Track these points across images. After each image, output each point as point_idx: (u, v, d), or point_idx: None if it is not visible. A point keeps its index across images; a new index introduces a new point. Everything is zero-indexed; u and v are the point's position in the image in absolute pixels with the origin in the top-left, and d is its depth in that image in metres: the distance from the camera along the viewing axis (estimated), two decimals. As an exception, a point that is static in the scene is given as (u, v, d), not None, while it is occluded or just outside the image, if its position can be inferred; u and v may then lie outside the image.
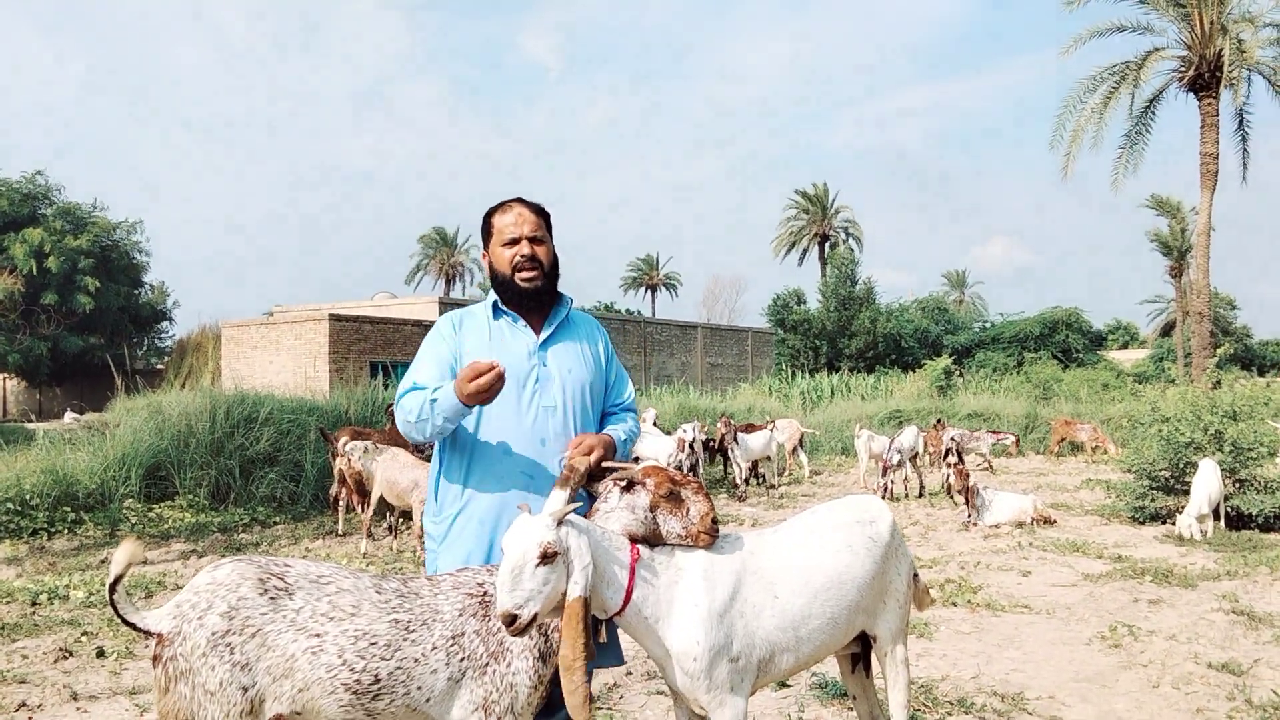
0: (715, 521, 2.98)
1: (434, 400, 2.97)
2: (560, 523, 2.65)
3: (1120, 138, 26.22)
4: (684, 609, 2.91)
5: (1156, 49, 24.75)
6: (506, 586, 2.53)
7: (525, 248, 3.17)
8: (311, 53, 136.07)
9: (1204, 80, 24.32)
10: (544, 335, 3.22)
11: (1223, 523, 10.29)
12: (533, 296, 3.19)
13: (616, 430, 3.28)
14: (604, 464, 3.06)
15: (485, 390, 2.85)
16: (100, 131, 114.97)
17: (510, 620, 2.51)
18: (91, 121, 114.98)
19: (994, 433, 20.25)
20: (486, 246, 3.28)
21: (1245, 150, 26.16)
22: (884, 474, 13.66)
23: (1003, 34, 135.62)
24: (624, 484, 2.96)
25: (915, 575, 3.66)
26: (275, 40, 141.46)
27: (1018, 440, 21.18)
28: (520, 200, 3.27)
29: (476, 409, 3.06)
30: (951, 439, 13.45)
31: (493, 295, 3.27)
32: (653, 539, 2.95)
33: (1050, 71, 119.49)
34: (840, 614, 3.22)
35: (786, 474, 17.24)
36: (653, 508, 2.94)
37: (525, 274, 3.16)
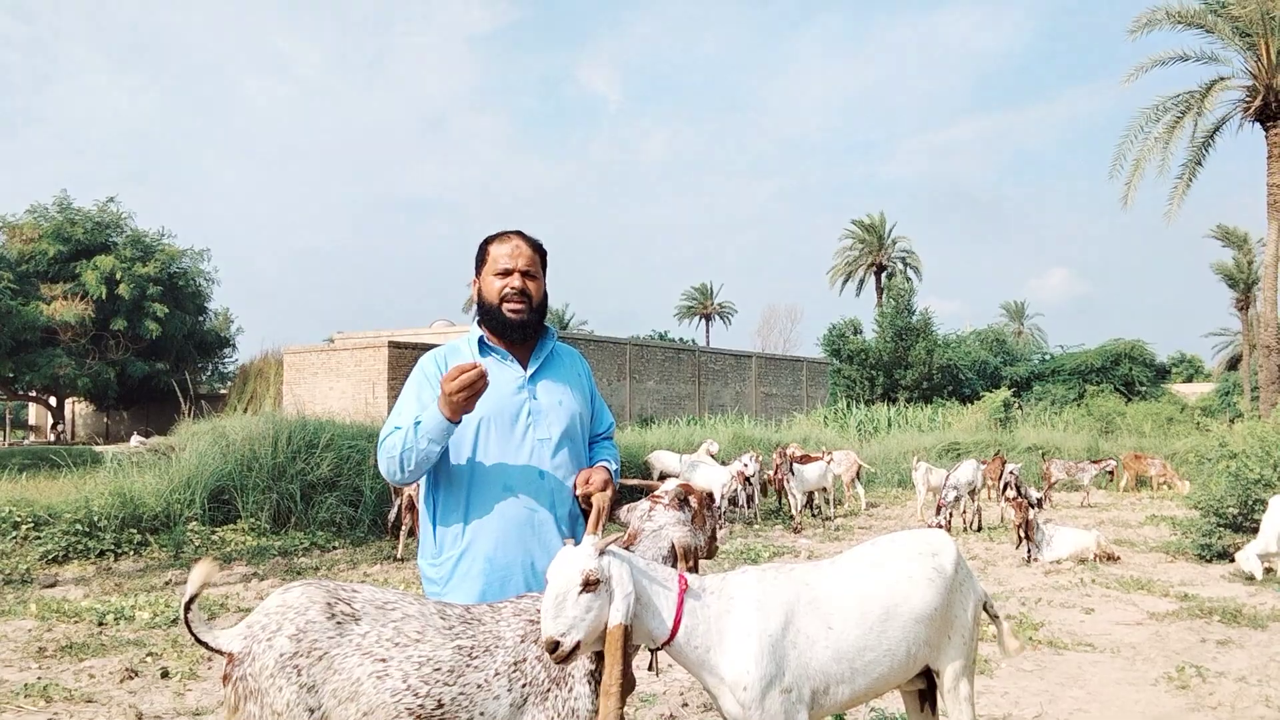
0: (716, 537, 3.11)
1: (418, 423, 2.94)
2: (602, 552, 2.69)
3: (1179, 168, 25.80)
4: (736, 638, 2.90)
5: (1221, 78, 24.36)
6: (550, 614, 2.58)
7: (517, 280, 3.16)
8: (377, 84, 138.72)
9: (1271, 110, 23.89)
10: (532, 369, 3.22)
11: (1294, 562, 10.01)
12: (517, 328, 3.18)
13: (609, 462, 3.29)
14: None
15: (469, 387, 2.83)
16: (169, 162, 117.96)
17: (553, 647, 2.55)
18: (161, 152, 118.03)
19: (1095, 461, 19.78)
20: (479, 273, 3.27)
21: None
22: (938, 512, 13.47)
23: (1061, 65, 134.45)
24: (677, 501, 3.01)
25: (996, 616, 3.61)
26: (341, 72, 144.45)
27: (1120, 465, 20.61)
28: (520, 233, 3.26)
29: (471, 443, 3.08)
30: (1011, 472, 13.27)
31: (477, 331, 3.25)
32: (690, 553, 2.99)
33: (1108, 102, 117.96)
34: (899, 647, 3.17)
35: (843, 506, 17.10)
36: (693, 521, 3.02)
37: (512, 305, 3.16)
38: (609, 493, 3.04)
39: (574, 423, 3.23)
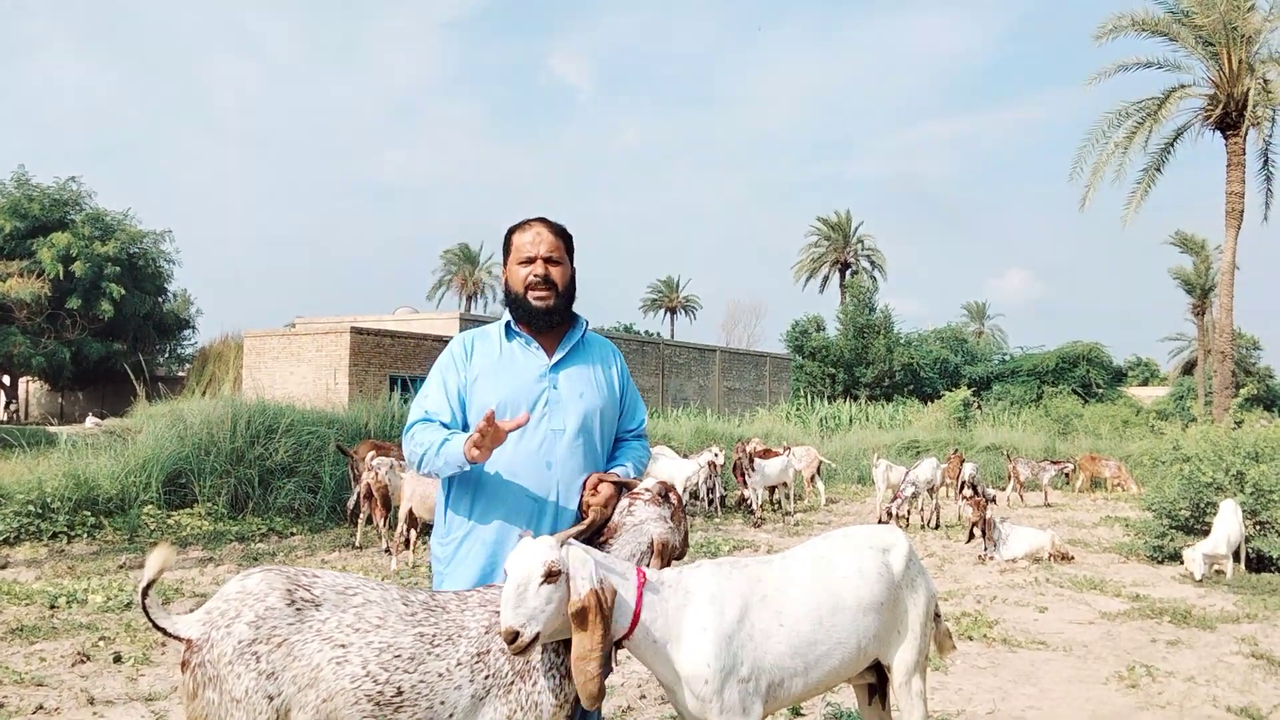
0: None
1: (446, 441, 3.00)
2: (563, 544, 2.71)
3: (1138, 173, 26.12)
4: (693, 632, 2.92)
5: (1182, 86, 24.67)
6: (510, 604, 2.59)
7: (540, 268, 3.16)
8: (346, 68, 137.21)
9: (1231, 119, 24.24)
10: (556, 357, 3.20)
11: (1243, 565, 10.19)
12: (543, 316, 3.17)
13: (627, 467, 3.27)
14: (609, 479, 3.12)
15: (485, 442, 2.87)
16: (134, 139, 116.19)
17: (512, 638, 2.55)
18: (125, 130, 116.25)
19: (1055, 462, 20.13)
20: (505, 264, 3.27)
21: (1269, 189, 26.05)
22: (894, 504, 13.60)
23: (1026, 68, 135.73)
24: (659, 497, 3.02)
25: (938, 616, 3.64)
26: (312, 55, 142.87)
27: (1076, 467, 21.01)
28: (542, 220, 3.24)
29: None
30: (970, 474, 13.42)
31: (507, 315, 3.26)
32: (668, 549, 3.01)
33: (1071, 107, 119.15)
34: (849, 639, 3.22)
35: (803, 501, 17.19)
36: (672, 518, 3.03)
37: (537, 293, 3.15)
38: (608, 510, 3.03)
39: (592, 416, 3.20)
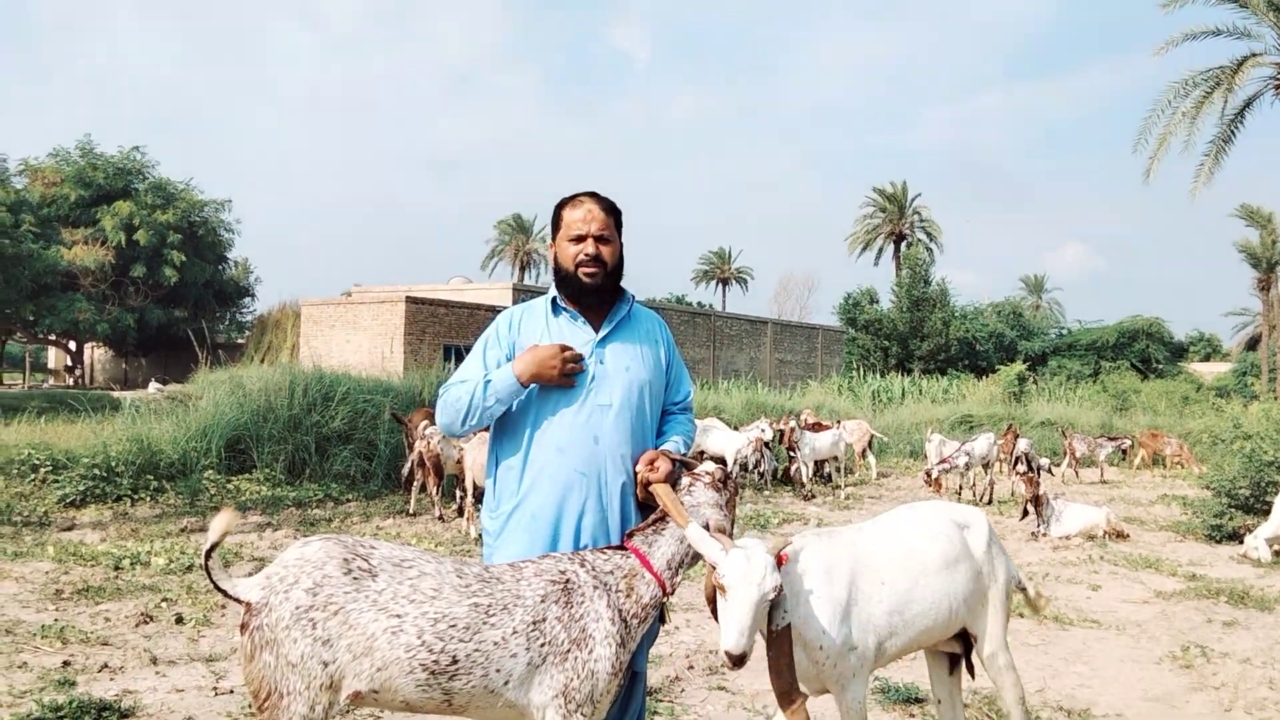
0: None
1: (488, 381, 3.04)
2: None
3: (1206, 144, 25.43)
4: (812, 605, 3.10)
5: (1254, 54, 23.97)
6: (741, 629, 2.65)
7: (591, 246, 3.14)
8: (405, 37, 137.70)
9: (1304, 89, 23.55)
10: (603, 332, 3.19)
11: (1304, 546, 9.99)
12: (592, 292, 3.17)
13: (677, 440, 3.26)
14: (678, 459, 3.12)
15: (560, 368, 2.99)
16: (195, 109, 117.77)
17: (740, 661, 2.64)
18: (187, 100, 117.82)
19: (1112, 438, 19.85)
20: (554, 238, 3.26)
21: (1341, 162, 25.32)
22: (940, 466, 13.57)
23: (1089, 37, 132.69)
24: (718, 482, 3.03)
25: (1023, 588, 3.85)
26: (370, 24, 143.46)
27: (1135, 444, 20.72)
28: (593, 195, 3.23)
29: (534, 402, 3.12)
30: (1025, 449, 13.28)
31: (552, 290, 3.26)
32: (724, 534, 3.01)
33: (1134, 76, 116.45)
34: (940, 600, 3.38)
35: (854, 475, 17.13)
36: (727, 504, 3.04)
37: (587, 269, 3.14)
38: (669, 485, 3.01)
39: (638, 391, 3.19)
